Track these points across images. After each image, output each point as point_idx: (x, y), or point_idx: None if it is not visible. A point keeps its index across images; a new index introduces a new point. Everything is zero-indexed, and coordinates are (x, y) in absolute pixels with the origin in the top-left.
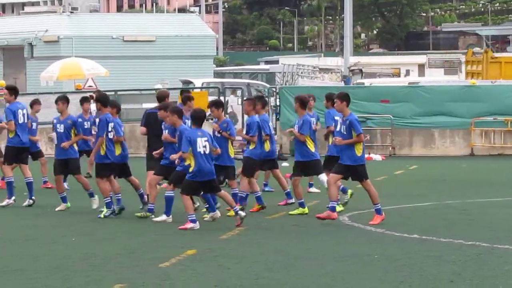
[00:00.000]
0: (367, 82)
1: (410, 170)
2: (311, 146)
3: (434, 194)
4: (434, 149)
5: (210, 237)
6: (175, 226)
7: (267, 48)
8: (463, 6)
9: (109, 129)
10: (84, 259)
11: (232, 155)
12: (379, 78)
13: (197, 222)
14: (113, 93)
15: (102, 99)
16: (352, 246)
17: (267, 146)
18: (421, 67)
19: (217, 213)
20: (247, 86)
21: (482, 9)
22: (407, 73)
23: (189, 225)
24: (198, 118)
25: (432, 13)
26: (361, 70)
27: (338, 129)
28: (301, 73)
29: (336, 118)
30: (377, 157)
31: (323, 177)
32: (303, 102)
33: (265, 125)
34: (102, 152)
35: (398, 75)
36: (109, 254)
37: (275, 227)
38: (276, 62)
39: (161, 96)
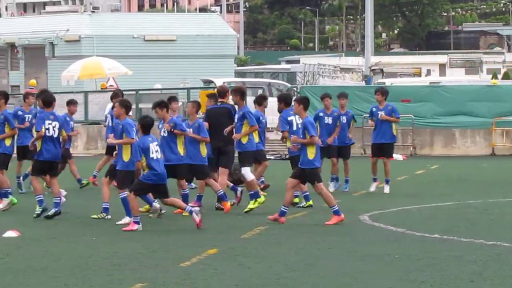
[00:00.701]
0: (388, 81)
1: (431, 170)
2: (244, 139)
3: (455, 194)
4: (455, 148)
5: (231, 237)
6: (196, 225)
7: (288, 48)
8: (484, 6)
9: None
10: (105, 258)
11: (182, 153)
12: (400, 78)
13: (141, 224)
14: (134, 92)
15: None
16: (373, 246)
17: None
18: (442, 66)
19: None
20: (268, 85)
21: (503, 9)
22: (428, 72)
23: (135, 226)
24: (147, 126)
25: (453, 13)
26: (382, 70)
27: (294, 128)
28: (322, 72)
29: (289, 118)
30: (398, 156)
31: (245, 170)
32: (243, 94)
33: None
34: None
35: (419, 74)
36: (131, 254)
37: (296, 226)
38: (297, 61)
39: (222, 92)
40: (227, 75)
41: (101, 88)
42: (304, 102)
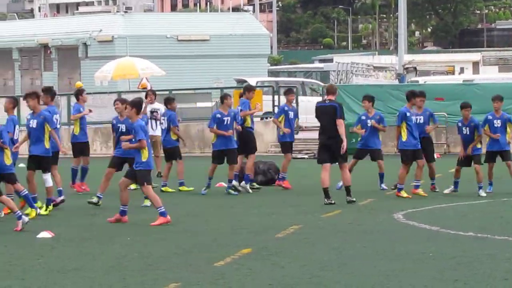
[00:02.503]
0: (421, 80)
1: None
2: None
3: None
4: None
5: (265, 236)
6: (229, 225)
7: (321, 47)
8: None
9: None
10: (140, 259)
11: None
12: (433, 76)
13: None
14: (167, 92)
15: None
16: (407, 244)
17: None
18: (475, 64)
19: None
20: (302, 84)
21: None
22: (462, 70)
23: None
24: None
25: (486, 10)
26: (415, 68)
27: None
28: (355, 71)
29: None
30: None
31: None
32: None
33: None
34: None
35: (453, 72)
36: (165, 254)
37: (330, 226)
38: (331, 60)
39: (332, 90)
40: (260, 75)
41: (142, 88)
42: (137, 106)
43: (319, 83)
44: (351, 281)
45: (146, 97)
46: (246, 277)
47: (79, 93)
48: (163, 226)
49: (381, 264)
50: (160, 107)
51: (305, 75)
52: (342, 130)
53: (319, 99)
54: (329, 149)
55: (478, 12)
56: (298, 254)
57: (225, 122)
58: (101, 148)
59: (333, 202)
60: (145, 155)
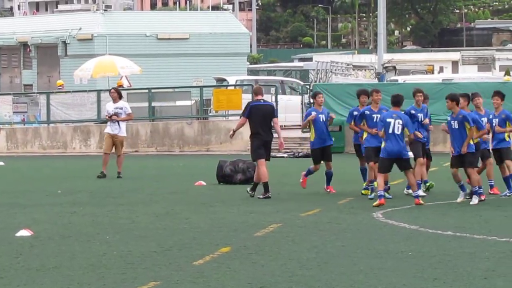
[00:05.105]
0: (400, 79)
1: (444, 167)
2: None
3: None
4: None
5: (245, 235)
6: (209, 223)
7: (301, 46)
8: (497, 3)
9: None
10: (119, 257)
11: None
12: (412, 75)
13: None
14: (146, 90)
15: None
16: (386, 243)
17: None
18: (454, 64)
19: None
20: (281, 83)
21: None
22: (441, 70)
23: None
24: None
25: (466, 10)
26: (394, 67)
27: None
28: (335, 70)
29: None
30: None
31: None
32: None
33: None
34: None
35: (432, 72)
36: (144, 252)
37: (310, 224)
38: (310, 59)
39: (259, 91)
40: (240, 73)
41: (118, 86)
42: None
43: (298, 82)
44: (332, 279)
45: (110, 95)
46: (225, 275)
47: (315, 95)
48: (143, 225)
49: (360, 263)
50: (124, 105)
51: (285, 74)
52: (279, 128)
53: (299, 98)
54: (266, 146)
55: (458, 11)
56: (277, 253)
57: None
58: (80, 147)
59: (270, 196)
60: None
